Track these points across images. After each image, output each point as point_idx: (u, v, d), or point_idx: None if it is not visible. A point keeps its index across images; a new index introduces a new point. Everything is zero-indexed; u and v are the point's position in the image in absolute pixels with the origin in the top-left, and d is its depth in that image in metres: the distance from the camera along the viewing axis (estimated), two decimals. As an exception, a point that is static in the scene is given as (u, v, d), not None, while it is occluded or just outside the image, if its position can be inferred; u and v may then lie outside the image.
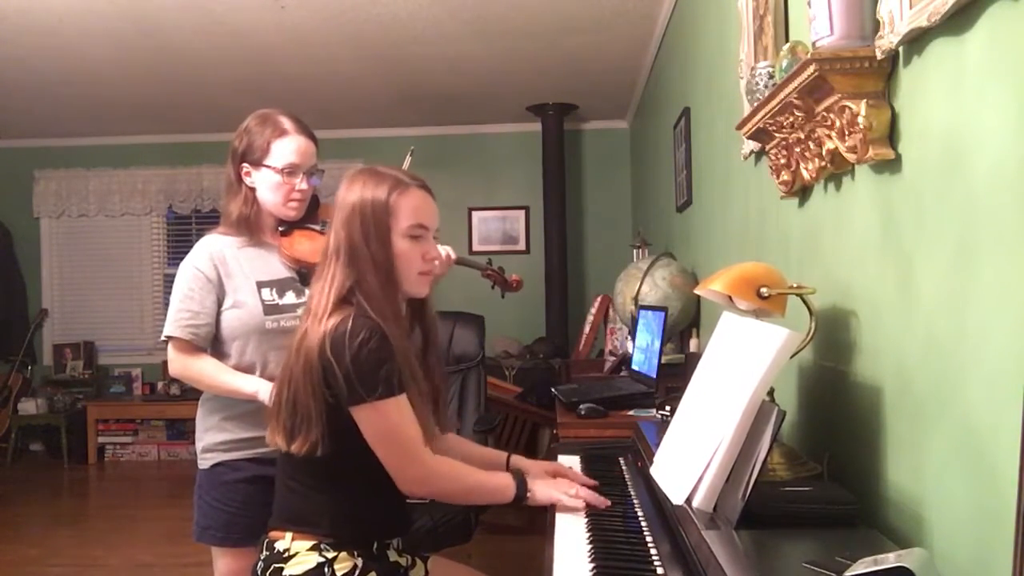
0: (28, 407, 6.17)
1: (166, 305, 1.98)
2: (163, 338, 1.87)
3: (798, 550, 1.11)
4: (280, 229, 1.92)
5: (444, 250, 1.83)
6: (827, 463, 1.38)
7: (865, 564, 0.92)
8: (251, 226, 1.90)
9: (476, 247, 6.35)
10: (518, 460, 1.74)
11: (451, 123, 6.21)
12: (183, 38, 4.23)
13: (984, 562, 0.98)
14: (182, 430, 6.23)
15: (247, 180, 1.90)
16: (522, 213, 6.42)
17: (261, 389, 1.76)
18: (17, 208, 6.47)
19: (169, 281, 7.04)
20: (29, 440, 6.41)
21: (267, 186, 1.88)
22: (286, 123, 1.89)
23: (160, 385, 6.29)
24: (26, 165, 6.49)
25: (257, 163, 1.88)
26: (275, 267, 1.90)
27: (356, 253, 1.48)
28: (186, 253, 1.96)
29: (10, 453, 6.11)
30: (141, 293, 6.58)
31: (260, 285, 1.87)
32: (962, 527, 1.04)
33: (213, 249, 1.88)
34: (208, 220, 6.53)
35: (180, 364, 1.85)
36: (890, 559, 0.92)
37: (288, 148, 1.87)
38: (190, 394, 6.01)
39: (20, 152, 6.49)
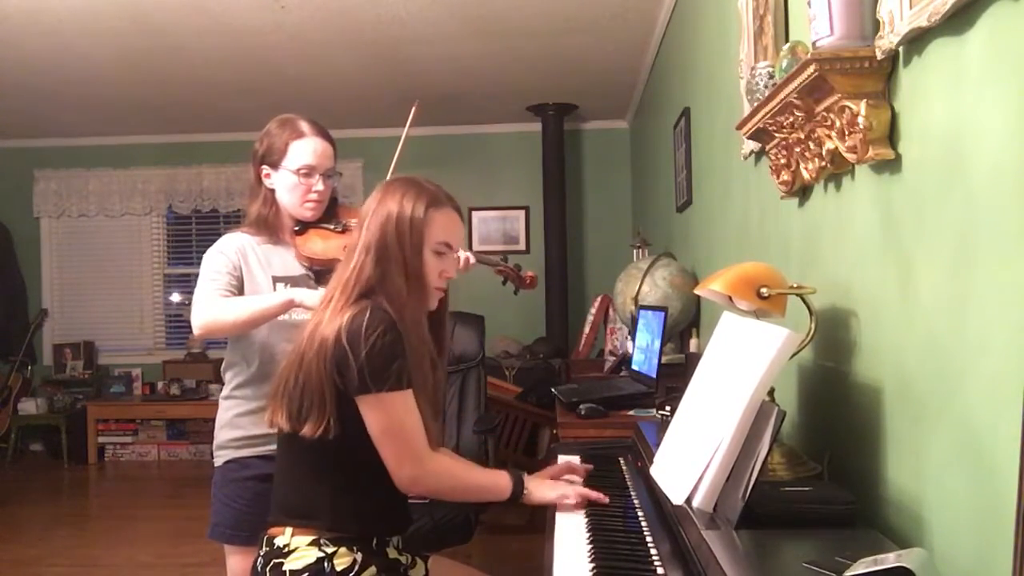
0: (28, 407, 6.16)
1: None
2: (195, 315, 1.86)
3: (798, 550, 1.11)
4: (295, 228, 1.97)
5: (463, 254, 1.85)
6: (827, 463, 1.39)
7: (865, 564, 0.92)
8: (270, 226, 1.95)
9: (476, 247, 6.35)
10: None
11: (451, 123, 6.21)
12: (183, 38, 4.23)
13: (984, 562, 0.98)
14: (182, 430, 6.23)
15: (266, 182, 1.95)
16: (522, 213, 6.42)
17: (296, 296, 1.77)
18: (17, 208, 6.46)
19: (169, 281, 7.07)
20: (29, 440, 6.41)
21: (285, 187, 1.93)
22: (304, 126, 1.95)
23: (160, 385, 6.28)
24: (26, 165, 6.49)
25: (275, 164, 1.93)
26: (291, 264, 1.95)
27: (387, 254, 1.52)
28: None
29: (10, 453, 6.11)
30: (141, 293, 6.56)
31: (276, 280, 1.92)
32: (962, 527, 1.04)
33: (237, 244, 1.93)
34: (208, 220, 6.54)
35: (201, 313, 1.82)
36: (890, 559, 0.92)
37: (305, 150, 1.92)
38: (190, 394, 6.10)
39: (20, 152, 6.48)
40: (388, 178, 1.62)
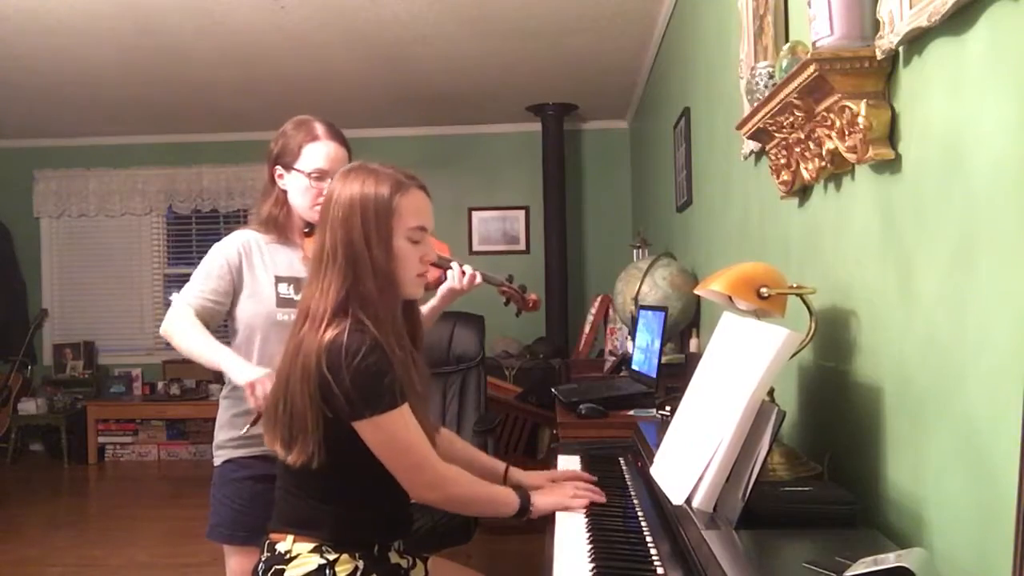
0: (28, 407, 6.16)
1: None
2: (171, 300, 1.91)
3: (798, 550, 1.11)
4: (305, 230, 1.97)
5: (469, 270, 1.95)
6: (827, 463, 1.39)
7: (865, 564, 0.92)
8: (279, 227, 1.95)
9: (476, 247, 6.36)
10: (516, 472, 1.72)
11: (451, 123, 6.21)
12: (183, 38, 4.23)
13: (984, 562, 0.98)
14: (182, 430, 6.23)
15: (279, 182, 1.95)
16: (522, 213, 6.42)
17: (225, 365, 1.75)
18: (17, 208, 6.46)
19: (169, 281, 7.08)
20: (29, 440, 6.42)
21: (297, 189, 1.93)
22: (319, 128, 1.94)
23: (160, 385, 6.29)
24: (26, 165, 6.49)
25: (288, 166, 1.93)
26: (297, 265, 1.94)
27: (355, 254, 1.43)
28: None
29: (10, 453, 6.11)
30: (141, 293, 6.57)
31: (279, 280, 1.92)
32: (962, 527, 1.04)
33: (242, 241, 1.94)
34: (208, 220, 6.55)
35: (169, 321, 1.86)
36: (890, 559, 0.92)
37: (318, 153, 1.91)
38: (190, 394, 6.11)
39: (20, 152, 6.48)
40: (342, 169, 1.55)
